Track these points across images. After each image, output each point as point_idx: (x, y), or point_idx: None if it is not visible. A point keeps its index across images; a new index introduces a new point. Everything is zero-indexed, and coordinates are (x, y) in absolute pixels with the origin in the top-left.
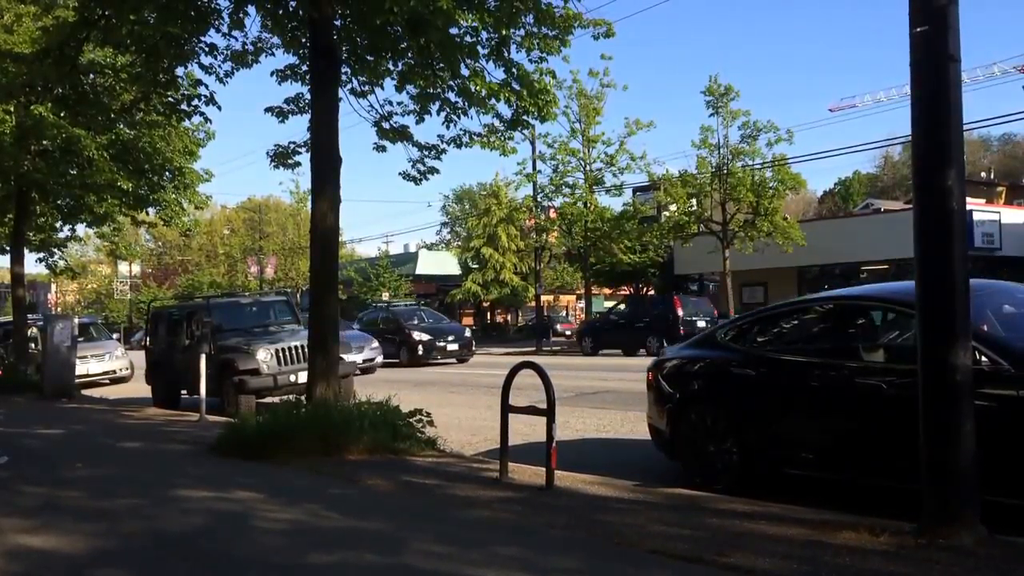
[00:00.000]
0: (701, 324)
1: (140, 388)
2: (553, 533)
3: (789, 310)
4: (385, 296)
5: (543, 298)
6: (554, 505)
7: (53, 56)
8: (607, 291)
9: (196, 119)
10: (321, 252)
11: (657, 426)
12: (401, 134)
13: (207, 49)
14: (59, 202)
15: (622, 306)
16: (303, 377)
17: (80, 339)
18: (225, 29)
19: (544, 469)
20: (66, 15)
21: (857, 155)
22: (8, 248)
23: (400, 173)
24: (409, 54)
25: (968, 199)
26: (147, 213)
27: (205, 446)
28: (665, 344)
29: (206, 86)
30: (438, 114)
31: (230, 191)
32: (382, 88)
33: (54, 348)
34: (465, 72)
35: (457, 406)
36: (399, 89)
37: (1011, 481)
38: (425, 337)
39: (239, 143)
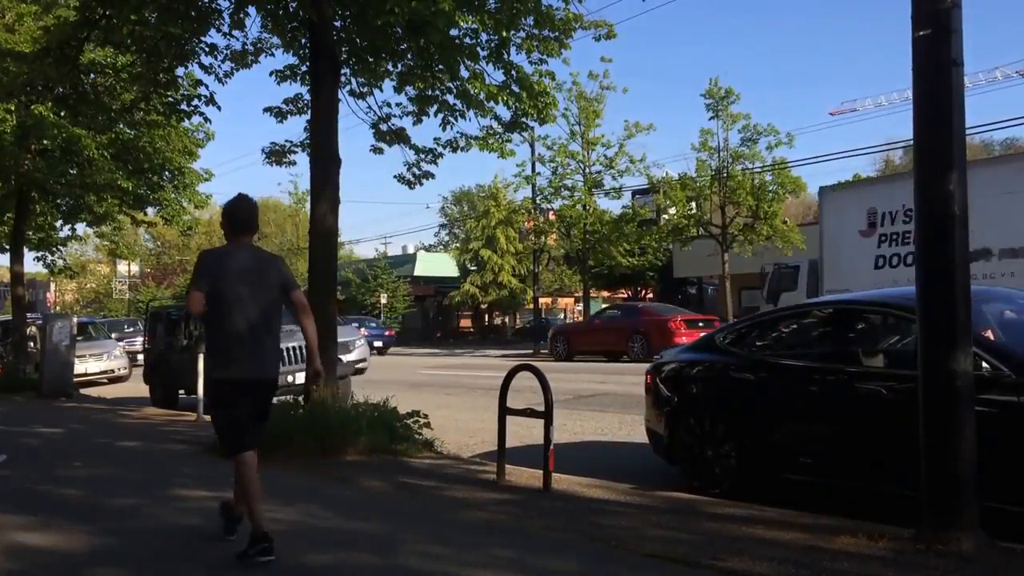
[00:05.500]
0: None
1: (138, 388)
2: (550, 535)
3: (789, 314)
4: (383, 298)
5: (541, 300)
6: (551, 508)
7: (54, 55)
8: (605, 294)
9: (196, 119)
10: (320, 253)
11: (655, 430)
12: (399, 136)
13: (207, 49)
14: (59, 201)
15: None
16: (301, 378)
17: (79, 338)
18: (225, 29)
19: (541, 472)
20: (67, 15)
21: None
22: (8, 247)
23: (395, 176)
24: (409, 56)
25: None
26: (146, 213)
27: (203, 446)
28: None
29: (206, 86)
30: (435, 116)
31: (230, 191)
32: (381, 90)
33: (53, 347)
34: (465, 74)
35: (455, 408)
36: (398, 91)
37: (1012, 488)
38: None
39: (238, 144)
